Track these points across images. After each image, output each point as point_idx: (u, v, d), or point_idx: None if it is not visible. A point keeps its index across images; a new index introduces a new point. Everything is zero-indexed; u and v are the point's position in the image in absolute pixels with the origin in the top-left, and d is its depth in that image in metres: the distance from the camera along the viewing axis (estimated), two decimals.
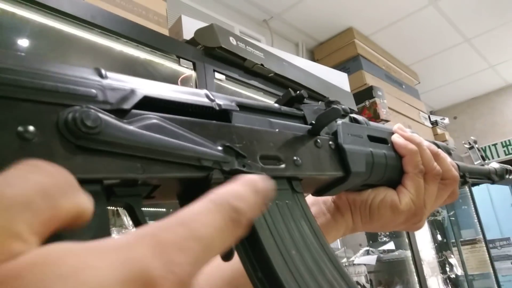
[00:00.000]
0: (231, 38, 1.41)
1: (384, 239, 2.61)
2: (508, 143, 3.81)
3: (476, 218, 3.10)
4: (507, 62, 3.62)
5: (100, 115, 0.26)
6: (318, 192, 0.49)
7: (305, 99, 0.48)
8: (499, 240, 3.43)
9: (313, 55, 2.97)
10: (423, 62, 3.40)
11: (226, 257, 0.32)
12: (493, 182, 0.80)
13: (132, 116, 0.29)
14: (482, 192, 3.62)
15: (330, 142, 0.47)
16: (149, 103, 0.31)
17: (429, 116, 3.28)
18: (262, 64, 1.53)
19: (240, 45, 1.43)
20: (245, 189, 0.22)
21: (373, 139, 0.53)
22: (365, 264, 2.29)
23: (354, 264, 2.26)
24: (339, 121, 0.50)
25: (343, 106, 0.50)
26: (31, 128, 0.23)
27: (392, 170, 0.54)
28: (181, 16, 1.50)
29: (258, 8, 2.50)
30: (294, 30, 2.77)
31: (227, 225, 0.19)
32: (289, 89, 0.48)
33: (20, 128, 0.23)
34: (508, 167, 0.81)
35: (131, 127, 0.28)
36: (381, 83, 2.70)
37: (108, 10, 1.20)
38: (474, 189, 3.24)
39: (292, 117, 0.46)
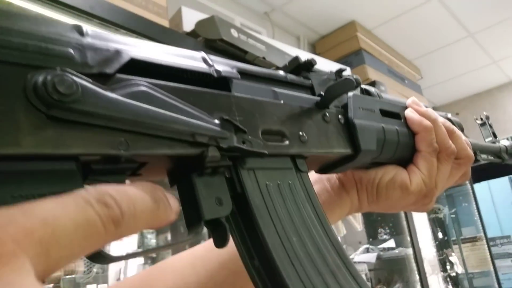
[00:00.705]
0: (232, 30, 1.37)
1: (384, 236, 2.59)
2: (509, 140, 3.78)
3: (477, 215, 3.08)
4: (511, 58, 3.58)
5: (77, 79, 0.22)
6: (322, 170, 0.45)
7: (314, 66, 0.44)
8: (500, 238, 3.42)
9: (314, 49, 2.92)
10: (426, 57, 3.36)
11: (220, 243, 0.30)
12: (503, 161, 0.75)
13: (116, 81, 0.25)
14: (482, 189, 3.60)
15: (340, 116, 0.43)
16: (137, 67, 0.27)
17: None
18: (264, 58, 1.49)
19: (241, 38, 1.38)
20: (141, 193, 0.22)
21: (385, 113, 0.49)
22: (365, 262, 2.27)
23: (354, 262, 2.24)
24: (350, 93, 0.45)
25: (355, 76, 0.46)
26: None
27: (404, 148, 0.50)
28: (181, 7, 1.46)
29: (260, 0, 2.45)
30: (295, 23, 2.72)
31: (90, 216, 0.19)
32: (297, 55, 0.44)
33: None
34: None
35: (114, 95, 0.24)
36: (384, 77, 2.66)
37: (107, 0, 1.16)
38: (475, 186, 3.22)
39: (299, 87, 0.42)
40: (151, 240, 1.54)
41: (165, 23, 1.33)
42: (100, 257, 0.24)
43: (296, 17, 2.67)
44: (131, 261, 1.27)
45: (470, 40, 3.21)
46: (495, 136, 0.77)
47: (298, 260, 0.31)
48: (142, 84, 0.26)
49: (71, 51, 0.23)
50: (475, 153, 0.63)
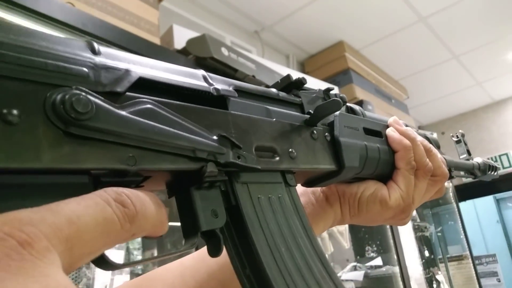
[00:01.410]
0: (223, 49, 1.39)
1: (372, 254, 2.59)
2: (494, 160, 3.85)
3: (463, 234, 3.10)
4: (494, 80, 3.67)
5: (92, 98, 0.23)
6: (308, 183, 0.48)
7: (304, 85, 0.46)
8: (485, 256, 3.44)
9: (303, 67, 2.97)
10: (412, 77, 3.43)
11: (214, 252, 0.31)
12: (475, 177, 0.79)
13: (125, 99, 0.26)
14: (468, 208, 3.64)
15: (326, 134, 0.46)
16: (144, 85, 0.29)
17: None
18: (253, 76, 1.51)
19: (232, 56, 1.41)
20: (147, 197, 0.24)
21: (368, 131, 0.52)
22: (352, 280, 2.26)
23: (342, 280, 2.23)
24: (337, 112, 0.48)
25: (341, 95, 0.49)
26: (15, 111, 0.20)
27: (384, 165, 0.53)
28: (172, 25, 1.48)
29: (250, 20, 2.49)
30: (285, 42, 2.77)
31: (109, 214, 0.21)
32: (289, 74, 0.47)
33: (3, 110, 0.20)
34: (491, 162, 0.81)
35: (124, 113, 0.25)
36: (371, 97, 2.70)
37: (100, 17, 1.18)
38: (461, 204, 3.26)
39: (290, 104, 0.45)
40: (137, 256, 1.52)
41: (156, 40, 1.34)
42: (104, 263, 0.25)
43: (286, 37, 2.72)
44: (117, 277, 1.26)
45: (455, 62, 3.29)
46: (469, 153, 0.81)
47: (286, 269, 0.33)
48: (149, 102, 0.28)
49: (86, 70, 0.25)
50: (449, 170, 0.66)
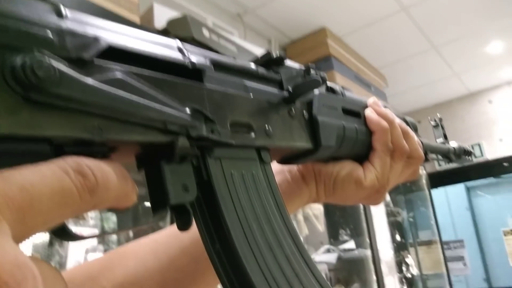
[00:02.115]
0: (204, 30, 1.38)
1: (345, 237, 2.66)
2: None
3: (433, 220, 3.21)
4: (471, 71, 3.75)
5: (55, 64, 0.22)
6: (284, 161, 0.48)
7: (284, 62, 0.46)
8: (453, 242, 3.57)
9: (285, 52, 2.96)
10: (392, 66, 3.47)
11: (183, 226, 0.31)
12: (450, 160, 0.80)
13: (92, 67, 0.26)
14: (440, 195, 3.75)
15: (304, 112, 0.45)
16: (114, 53, 0.28)
17: None
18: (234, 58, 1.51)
19: (213, 38, 1.40)
20: (111, 169, 0.23)
21: (346, 111, 0.52)
22: (325, 262, 2.33)
23: (315, 262, 2.28)
24: (316, 91, 0.48)
25: (322, 74, 0.48)
26: None
27: (361, 145, 0.53)
28: (153, 4, 1.46)
29: (233, 1, 2.47)
30: (267, 26, 2.75)
31: (66, 184, 0.20)
32: (269, 50, 0.46)
33: None
34: (466, 147, 0.81)
35: (90, 81, 0.24)
36: (351, 84, 2.73)
37: None
38: (433, 191, 3.36)
39: (268, 81, 0.44)
40: (112, 235, 1.53)
41: (136, 19, 1.32)
42: (64, 234, 0.25)
43: (269, 20, 2.70)
44: (90, 255, 1.26)
45: (433, 52, 3.34)
46: (446, 137, 0.81)
47: (257, 245, 0.33)
48: (118, 70, 0.27)
49: (50, 34, 0.24)
50: (425, 153, 0.66)
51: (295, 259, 0.36)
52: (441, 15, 2.85)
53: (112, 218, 1.48)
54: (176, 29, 1.34)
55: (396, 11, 2.74)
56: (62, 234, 0.25)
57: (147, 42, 0.31)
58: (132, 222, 1.62)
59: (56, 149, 0.23)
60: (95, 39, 0.26)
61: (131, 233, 1.62)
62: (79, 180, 0.21)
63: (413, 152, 0.56)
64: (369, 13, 2.75)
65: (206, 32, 1.39)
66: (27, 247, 1.11)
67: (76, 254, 1.22)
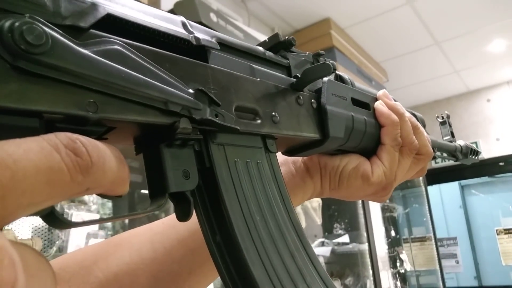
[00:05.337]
0: (211, 14, 1.34)
1: (340, 231, 2.66)
2: None
3: (428, 216, 3.22)
4: (471, 69, 3.75)
5: (47, 30, 0.20)
6: (289, 152, 0.46)
7: (293, 46, 0.43)
8: (447, 239, 3.60)
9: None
10: (393, 61, 3.45)
11: (182, 216, 0.29)
12: (456, 159, 0.78)
13: (89, 37, 0.23)
14: (434, 192, 3.77)
15: (312, 100, 0.43)
16: (113, 23, 0.25)
17: None
18: None
19: (220, 23, 1.36)
20: (108, 150, 0.21)
21: (356, 102, 0.50)
22: (319, 255, 2.32)
23: None
24: (325, 78, 0.45)
25: (331, 61, 0.45)
26: None
27: (369, 138, 0.51)
28: None
29: None
30: (271, 14, 2.71)
31: (55, 162, 0.18)
32: (277, 32, 0.43)
33: None
34: (473, 146, 0.80)
35: (86, 51, 0.22)
36: (352, 77, 2.67)
37: None
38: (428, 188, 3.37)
39: (276, 65, 0.42)
40: (108, 223, 1.50)
41: (143, 0, 1.28)
42: (58, 222, 0.22)
43: (273, 8, 2.66)
44: (92, 241, 1.23)
45: (436, 48, 3.33)
46: (453, 135, 0.79)
47: (259, 238, 0.31)
48: (117, 43, 0.25)
49: None
50: (433, 150, 0.65)
51: (298, 254, 0.34)
52: (445, 10, 2.83)
53: (108, 204, 1.44)
54: (183, 12, 1.30)
55: (401, 4, 2.71)
56: (53, 221, 0.22)
57: (149, 15, 0.29)
58: (128, 210, 1.59)
59: (46, 125, 0.21)
60: (93, 6, 0.24)
61: (126, 221, 1.59)
62: (71, 157, 0.18)
63: (422, 148, 0.55)
64: (374, 5, 2.72)
65: (213, 17, 1.35)
66: (25, 230, 1.08)
67: (77, 239, 1.18)
